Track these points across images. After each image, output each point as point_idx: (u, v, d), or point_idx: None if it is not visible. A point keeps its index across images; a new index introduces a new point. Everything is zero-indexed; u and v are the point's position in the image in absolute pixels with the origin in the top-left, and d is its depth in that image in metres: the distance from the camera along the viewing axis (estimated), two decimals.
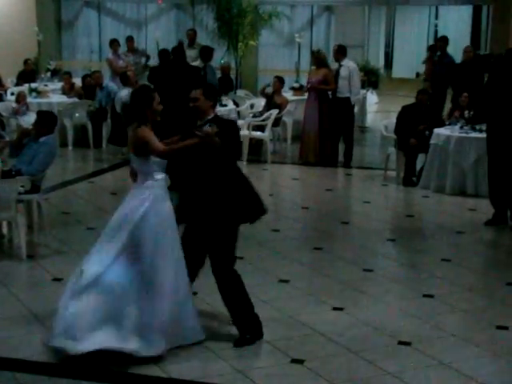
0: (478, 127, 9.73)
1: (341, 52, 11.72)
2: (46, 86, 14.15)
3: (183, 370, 4.73)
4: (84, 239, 7.61)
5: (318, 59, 11.74)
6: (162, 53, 11.05)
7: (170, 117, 9.63)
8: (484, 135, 8.85)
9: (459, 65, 12.55)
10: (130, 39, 15.13)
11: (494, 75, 8.40)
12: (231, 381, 4.60)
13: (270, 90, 12.75)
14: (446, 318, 5.64)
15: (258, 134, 11.82)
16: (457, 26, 21.78)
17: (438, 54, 13.20)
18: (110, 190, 9.98)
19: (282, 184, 10.82)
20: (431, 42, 21.55)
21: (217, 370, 4.73)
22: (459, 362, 4.86)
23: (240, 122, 11.44)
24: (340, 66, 11.65)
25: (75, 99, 13.35)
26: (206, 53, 11.91)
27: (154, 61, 13.88)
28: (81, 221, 8.29)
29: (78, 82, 14.20)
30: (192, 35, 14.45)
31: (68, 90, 13.73)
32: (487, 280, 6.75)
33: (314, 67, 11.97)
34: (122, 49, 14.92)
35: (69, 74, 14.38)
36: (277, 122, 12.23)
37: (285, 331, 5.32)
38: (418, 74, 20.55)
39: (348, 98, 11.66)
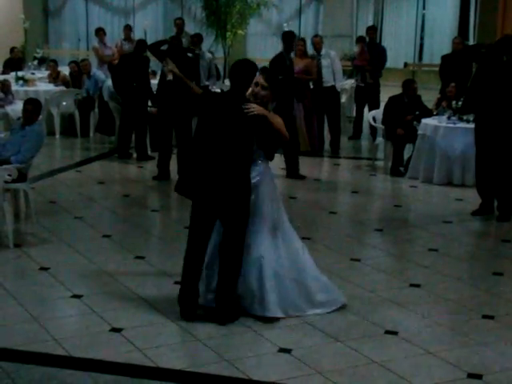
0: (465, 117, 9.77)
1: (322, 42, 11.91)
2: (32, 74, 14.08)
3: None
4: (71, 228, 7.61)
5: (302, 49, 11.71)
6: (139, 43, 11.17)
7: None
8: (471, 126, 8.88)
9: (448, 55, 12.58)
10: (127, 27, 15.06)
11: (484, 65, 8.40)
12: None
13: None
14: (433, 308, 5.66)
15: None
16: (444, 15, 21.78)
17: (367, 42, 13.18)
18: (97, 179, 9.95)
19: None
20: (419, 32, 21.59)
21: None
22: (446, 351, 4.88)
23: None
24: (320, 55, 11.71)
25: (62, 88, 13.29)
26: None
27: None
28: (68, 210, 8.25)
29: (65, 70, 14.14)
30: (180, 24, 14.34)
31: (54, 78, 13.65)
32: (474, 269, 6.78)
33: (294, 56, 11.93)
34: (109, 37, 14.87)
35: (54, 62, 14.30)
36: None
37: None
38: (405, 64, 20.55)
39: (333, 87, 11.77)
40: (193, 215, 5.25)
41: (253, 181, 5.21)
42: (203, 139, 5.15)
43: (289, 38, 10.35)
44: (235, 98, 5.15)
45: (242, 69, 5.19)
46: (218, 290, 5.23)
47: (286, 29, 16.35)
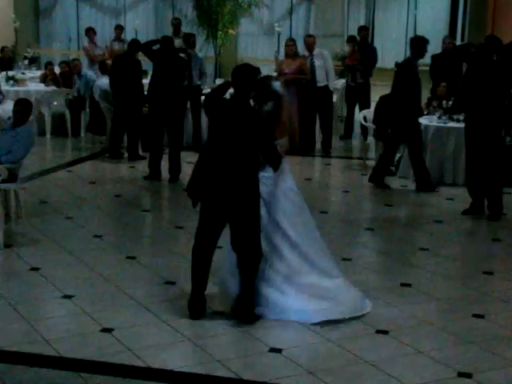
0: (455, 117, 9.79)
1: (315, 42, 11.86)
2: (23, 74, 14.03)
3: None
4: (62, 229, 7.60)
5: (293, 49, 11.70)
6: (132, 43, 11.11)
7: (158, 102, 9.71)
8: (462, 125, 8.91)
9: (438, 55, 12.59)
10: (118, 28, 15.01)
11: (474, 65, 8.42)
12: None
13: None
14: (423, 307, 5.68)
15: None
16: (435, 15, 21.83)
17: (358, 42, 13.22)
18: (88, 179, 9.93)
19: None
20: (411, 32, 21.63)
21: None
22: (436, 350, 4.90)
23: None
24: (312, 55, 11.70)
25: (53, 87, 13.25)
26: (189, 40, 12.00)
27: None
28: (59, 210, 8.24)
29: (55, 69, 14.09)
30: (176, 24, 14.23)
31: (51, 79, 13.62)
32: (464, 269, 6.80)
33: (284, 58, 11.91)
34: (100, 37, 14.81)
35: (51, 65, 14.25)
36: None
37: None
38: (397, 64, 20.55)
39: (326, 86, 11.77)
40: (201, 219, 5.26)
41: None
42: (213, 143, 5.23)
43: (419, 43, 9.44)
44: (239, 103, 5.22)
45: (243, 73, 5.24)
46: (240, 294, 5.24)
47: (278, 29, 16.36)
